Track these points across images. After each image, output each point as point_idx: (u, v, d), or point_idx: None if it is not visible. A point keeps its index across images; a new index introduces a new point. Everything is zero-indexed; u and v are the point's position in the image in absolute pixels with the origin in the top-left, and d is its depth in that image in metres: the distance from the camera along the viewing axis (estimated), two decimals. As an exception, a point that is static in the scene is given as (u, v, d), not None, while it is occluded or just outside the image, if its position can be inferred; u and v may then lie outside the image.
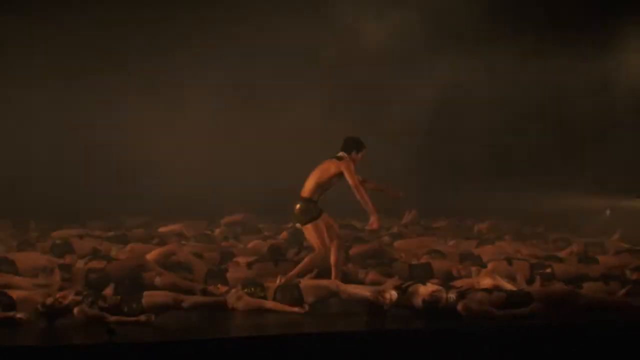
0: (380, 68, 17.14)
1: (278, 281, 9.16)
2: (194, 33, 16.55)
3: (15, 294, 8.29)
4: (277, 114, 16.91)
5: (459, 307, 8.09)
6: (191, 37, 16.59)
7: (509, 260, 10.23)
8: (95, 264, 10.00)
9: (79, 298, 8.02)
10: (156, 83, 16.53)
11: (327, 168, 9.54)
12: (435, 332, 7.79)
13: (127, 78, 16.34)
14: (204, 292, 8.96)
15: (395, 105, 17.39)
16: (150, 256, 10.23)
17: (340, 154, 9.63)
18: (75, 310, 7.83)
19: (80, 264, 10.20)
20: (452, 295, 8.26)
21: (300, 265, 9.58)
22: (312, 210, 9.46)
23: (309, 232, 9.56)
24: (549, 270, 10.00)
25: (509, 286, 8.89)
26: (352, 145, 9.64)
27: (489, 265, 10.04)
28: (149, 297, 8.08)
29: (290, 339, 7.54)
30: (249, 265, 10.28)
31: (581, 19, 16.98)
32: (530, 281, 9.65)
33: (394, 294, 8.30)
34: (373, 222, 9.41)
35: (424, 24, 16.63)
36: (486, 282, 8.99)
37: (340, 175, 9.52)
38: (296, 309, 8.44)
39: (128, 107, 16.50)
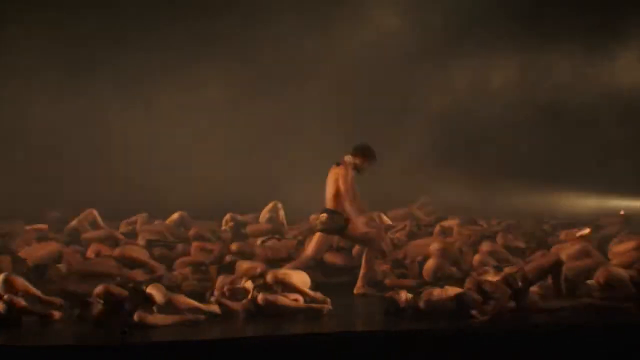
0: (400, 66, 16.99)
1: None
2: (209, 32, 16.46)
3: None
4: (285, 114, 16.80)
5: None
6: (204, 35, 16.50)
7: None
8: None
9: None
10: (162, 81, 16.44)
11: (333, 176, 9.46)
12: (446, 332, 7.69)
13: (134, 77, 16.26)
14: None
15: (414, 103, 17.28)
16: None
17: (346, 157, 9.50)
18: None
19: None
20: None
21: (288, 266, 9.53)
22: (334, 223, 9.40)
23: (315, 238, 9.55)
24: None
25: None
26: (360, 150, 9.53)
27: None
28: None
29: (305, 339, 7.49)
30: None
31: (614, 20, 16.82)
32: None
33: (409, 295, 8.23)
34: (361, 227, 9.37)
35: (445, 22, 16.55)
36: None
37: (352, 179, 9.44)
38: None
39: (134, 107, 16.39)
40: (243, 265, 9.52)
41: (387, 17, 16.67)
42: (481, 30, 16.54)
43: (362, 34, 16.54)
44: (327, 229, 9.46)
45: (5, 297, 7.83)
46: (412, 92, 17.01)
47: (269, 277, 8.26)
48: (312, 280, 8.85)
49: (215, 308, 8.17)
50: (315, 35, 16.31)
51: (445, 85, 17.16)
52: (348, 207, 9.31)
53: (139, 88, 16.11)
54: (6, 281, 7.99)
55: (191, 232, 12.15)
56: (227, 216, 13.59)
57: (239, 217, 13.56)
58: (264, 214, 12.87)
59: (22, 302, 7.90)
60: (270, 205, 12.91)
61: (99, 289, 7.93)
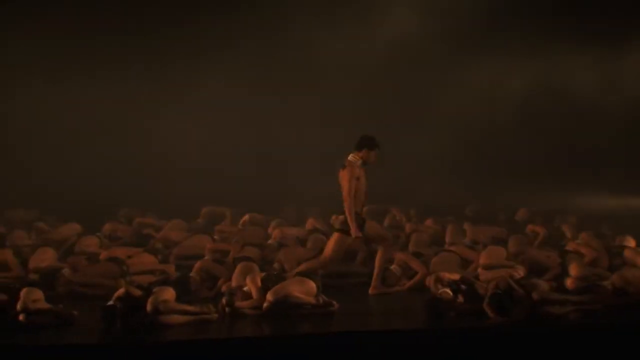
0: (425, 63, 16.96)
1: None
2: (213, 27, 16.46)
3: None
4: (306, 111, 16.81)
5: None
6: (210, 31, 16.52)
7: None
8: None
9: None
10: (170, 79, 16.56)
11: (342, 177, 9.38)
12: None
13: (144, 77, 16.37)
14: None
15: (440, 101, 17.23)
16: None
17: (350, 157, 9.44)
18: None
19: None
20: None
21: (306, 264, 9.56)
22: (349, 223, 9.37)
23: (333, 238, 9.49)
24: None
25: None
26: (364, 143, 9.43)
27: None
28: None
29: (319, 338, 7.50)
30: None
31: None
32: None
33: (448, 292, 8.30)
34: (354, 231, 9.28)
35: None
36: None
37: (357, 179, 9.38)
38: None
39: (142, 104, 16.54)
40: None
41: (402, 18, 16.60)
42: (495, 33, 16.47)
43: (377, 34, 16.49)
44: (344, 229, 9.42)
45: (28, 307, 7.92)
46: (426, 93, 16.95)
47: (270, 296, 8.21)
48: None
49: (211, 315, 8.13)
50: (329, 34, 16.29)
51: (459, 86, 17.09)
52: (346, 210, 9.27)
53: (148, 84, 16.19)
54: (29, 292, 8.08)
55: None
56: (246, 216, 13.58)
57: (257, 217, 13.56)
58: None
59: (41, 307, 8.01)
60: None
61: (120, 291, 8.00)
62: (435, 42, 16.48)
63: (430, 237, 12.03)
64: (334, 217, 9.71)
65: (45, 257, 10.48)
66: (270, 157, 16.51)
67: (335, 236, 9.44)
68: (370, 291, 9.47)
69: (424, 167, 16.18)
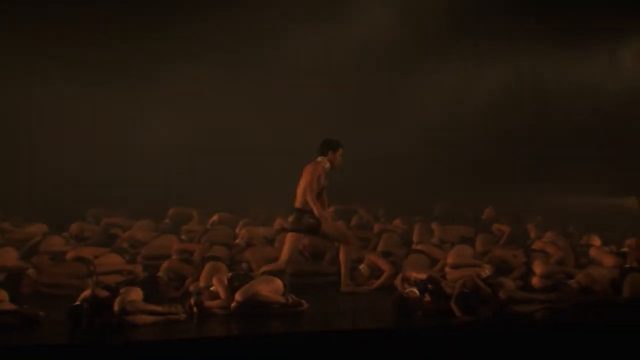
0: (395, 63, 16.99)
1: None
2: (185, 27, 16.41)
3: None
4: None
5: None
6: (181, 31, 16.46)
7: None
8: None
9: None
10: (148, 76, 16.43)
11: (305, 172, 9.48)
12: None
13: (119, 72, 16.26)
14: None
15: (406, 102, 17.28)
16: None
17: (318, 158, 9.54)
18: None
19: None
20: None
21: (267, 267, 9.55)
22: (302, 222, 9.42)
23: (287, 238, 9.58)
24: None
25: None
26: (327, 146, 9.57)
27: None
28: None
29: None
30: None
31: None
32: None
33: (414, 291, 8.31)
34: (317, 212, 9.33)
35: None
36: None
37: (319, 177, 9.44)
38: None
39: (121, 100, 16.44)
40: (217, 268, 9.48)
41: (382, 14, 16.61)
42: (461, 33, 16.54)
43: (349, 35, 16.45)
44: (297, 229, 9.47)
45: None
46: (395, 93, 16.99)
47: (238, 296, 8.20)
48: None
49: (179, 315, 8.09)
50: (300, 35, 16.26)
51: (427, 86, 17.14)
52: (310, 201, 9.31)
53: (119, 83, 16.11)
54: None
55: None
56: (215, 216, 13.53)
57: (226, 216, 13.52)
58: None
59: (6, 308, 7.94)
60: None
61: (86, 292, 7.95)
62: (405, 42, 16.50)
63: (400, 236, 12.09)
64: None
65: (9, 257, 10.38)
66: (241, 157, 16.45)
67: (289, 237, 9.55)
68: (341, 288, 9.50)
69: (393, 166, 16.21)
